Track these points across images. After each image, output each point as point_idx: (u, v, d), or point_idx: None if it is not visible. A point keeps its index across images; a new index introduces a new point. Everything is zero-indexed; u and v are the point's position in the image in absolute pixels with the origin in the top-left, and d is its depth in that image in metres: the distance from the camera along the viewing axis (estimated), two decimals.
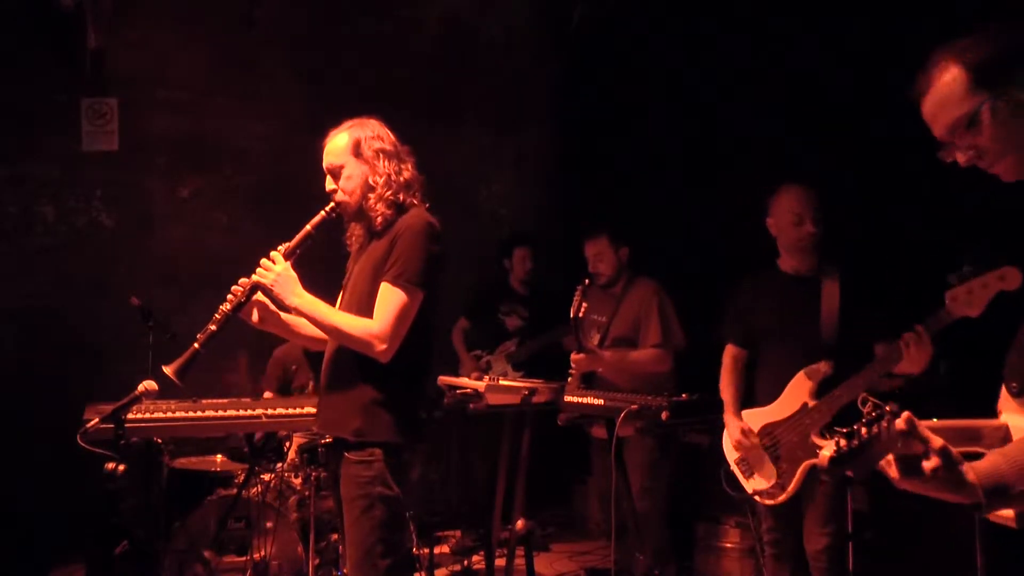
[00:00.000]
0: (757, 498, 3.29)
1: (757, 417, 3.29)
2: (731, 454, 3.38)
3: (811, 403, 3.13)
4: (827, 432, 1.37)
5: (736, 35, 5.00)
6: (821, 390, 3.12)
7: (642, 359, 4.14)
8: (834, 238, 3.30)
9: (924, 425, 1.39)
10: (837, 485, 3.13)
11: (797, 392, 3.18)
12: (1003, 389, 1.68)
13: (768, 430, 3.25)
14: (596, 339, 4.23)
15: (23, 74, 5.42)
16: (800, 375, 3.18)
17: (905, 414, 1.37)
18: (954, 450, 1.38)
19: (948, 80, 1.55)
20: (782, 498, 3.18)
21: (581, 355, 4.03)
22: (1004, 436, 1.65)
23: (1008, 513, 1.56)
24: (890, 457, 1.39)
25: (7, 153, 5.46)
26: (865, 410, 1.40)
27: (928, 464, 1.37)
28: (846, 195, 4.21)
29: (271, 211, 5.63)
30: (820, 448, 3.02)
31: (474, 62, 6.45)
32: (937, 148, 1.61)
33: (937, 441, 1.37)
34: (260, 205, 5.80)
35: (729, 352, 3.54)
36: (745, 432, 3.30)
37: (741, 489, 3.35)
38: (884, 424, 1.35)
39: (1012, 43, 1.53)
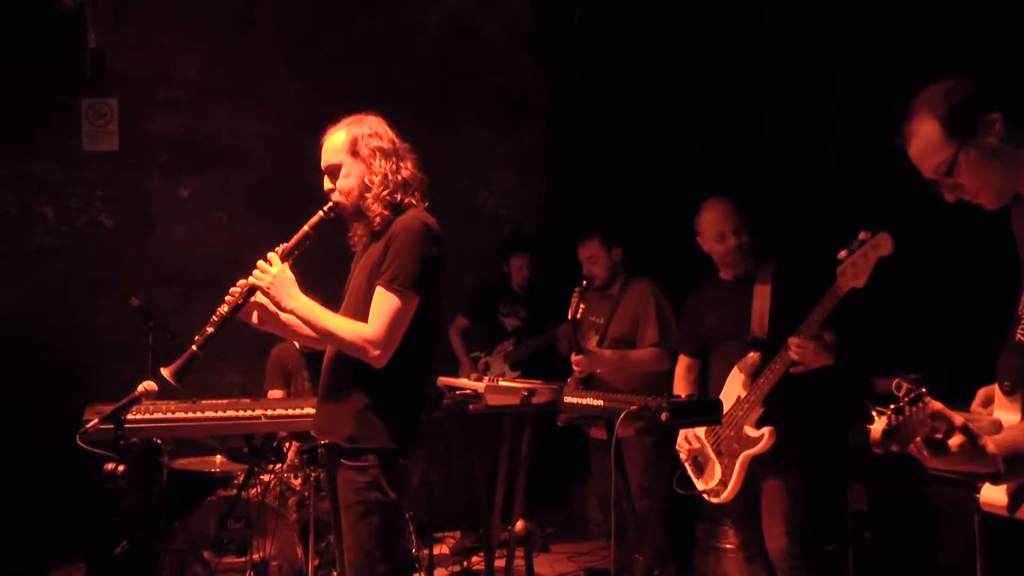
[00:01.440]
0: (706, 497, 3.31)
1: None
2: (681, 456, 3.44)
3: (743, 394, 3.21)
4: (876, 415, 1.51)
5: (736, 35, 4.99)
6: (755, 381, 3.20)
7: (643, 358, 4.16)
8: (770, 238, 3.39)
9: None
10: (794, 482, 3.15)
11: (733, 387, 3.27)
12: (996, 388, 1.80)
13: (712, 428, 3.30)
14: (594, 341, 4.24)
15: (23, 74, 5.43)
16: (734, 370, 3.26)
17: (936, 403, 1.54)
18: (974, 426, 1.56)
19: (925, 131, 1.79)
20: (726, 495, 3.21)
21: (581, 356, 4.04)
22: (996, 430, 1.75)
23: (1001, 501, 1.70)
24: (920, 442, 1.55)
25: (7, 153, 5.46)
26: (901, 392, 1.54)
27: (953, 441, 1.54)
28: (842, 194, 4.22)
29: (271, 211, 5.63)
30: (755, 438, 3.13)
31: (474, 62, 6.44)
32: (928, 184, 1.85)
33: (959, 419, 1.55)
34: (260, 205, 5.80)
35: (682, 363, 3.67)
36: (687, 437, 3.38)
37: (691, 488, 3.39)
38: (923, 403, 1.53)
39: (973, 93, 1.76)
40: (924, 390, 1.53)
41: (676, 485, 3.42)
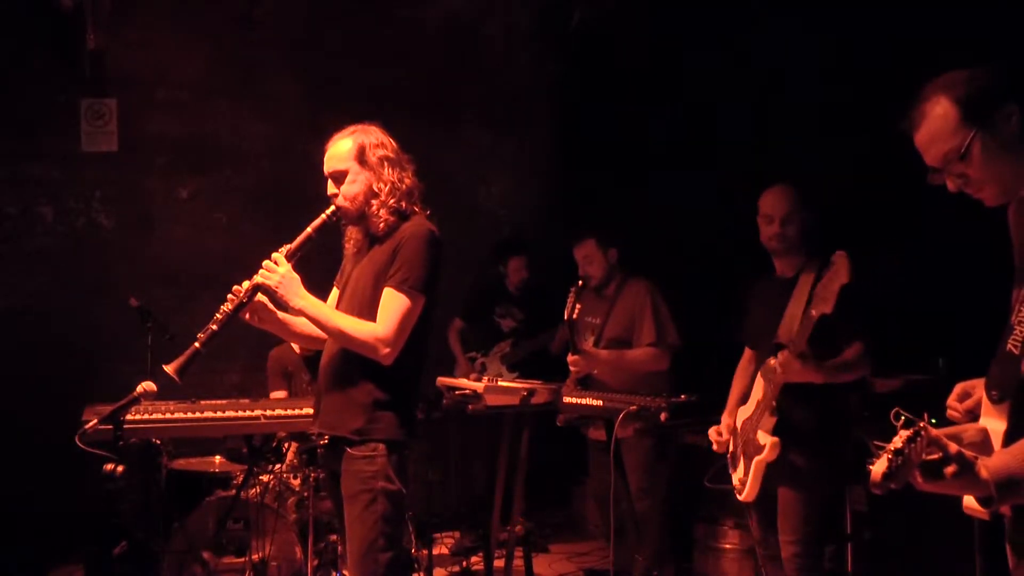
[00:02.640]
0: (736, 492, 3.31)
1: (742, 414, 3.33)
2: (714, 447, 3.42)
3: (760, 399, 3.18)
4: (875, 450, 1.52)
5: (735, 35, 5.00)
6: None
7: (639, 358, 4.15)
8: (822, 238, 3.31)
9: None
10: (808, 497, 3.13)
11: (757, 390, 3.23)
12: (983, 396, 1.78)
13: (743, 426, 3.29)
14: (591, 341, 4.24)
15: (23, 75, 5.42)
16: (759, 374, 3.22)
17: (930, 429, 1.54)
18: (967, 452, 1.55)
19: (940, 113, 1.71)
20: (745, 494, 3.19)
21: (577, 356, 4.04)
22: (983, 440, 1.75)
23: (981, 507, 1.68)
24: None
25: (6, 153, 5.45)
26: (899, 425, 1.54)
27: (948, 469, 1.53)
28: (843, 195, 4.22)
29: (271, 211, 5.62)
30: (762, 445, 3.09)
31: (474, 62, 6.44)
32: (928, 173, 1.77)
33: (953, 447, 1.54)
34: (260, 205, 5.79)
35: (745, 354, 3.56)
36: (718, 429, 3.35)
37: (726, 482, 3.37)
38: (921, 438, 1.52)
39: (995, 81, 1.71)
40: (922, 424, 1.53)
41: (707, 481, 3.42)
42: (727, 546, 4.29)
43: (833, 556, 3.31)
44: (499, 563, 4.10)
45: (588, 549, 5.38)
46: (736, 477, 3.28)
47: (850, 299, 2.87)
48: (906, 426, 1.53)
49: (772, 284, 3.38)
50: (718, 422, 3.38)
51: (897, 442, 1.51)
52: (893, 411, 1.56)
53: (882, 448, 1.52)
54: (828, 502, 3.19)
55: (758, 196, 3.39)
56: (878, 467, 1.51)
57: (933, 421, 1.57)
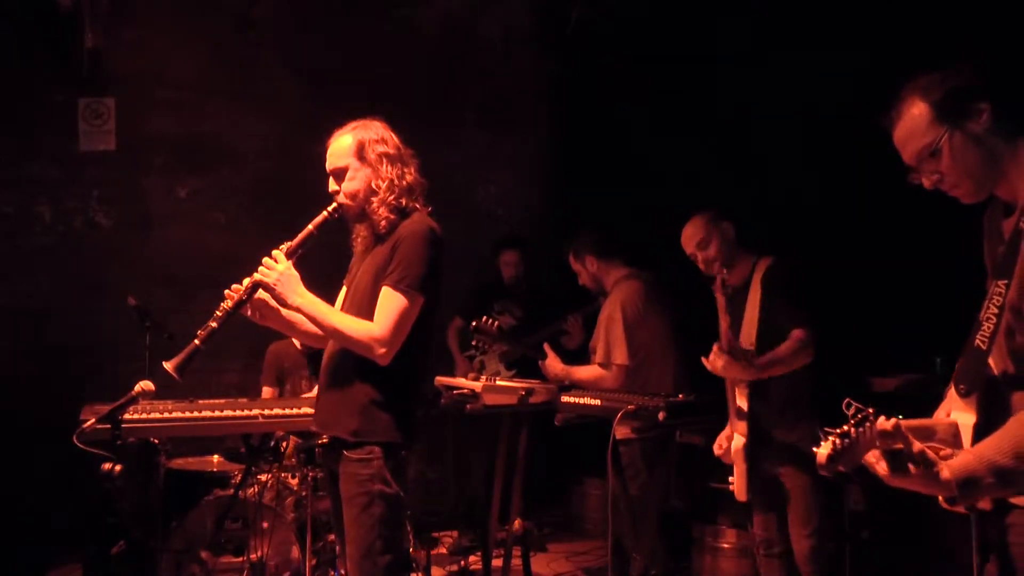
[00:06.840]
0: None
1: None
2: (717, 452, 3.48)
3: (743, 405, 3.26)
4: (823, 435, 1.57)
5: (734, 36, 5.00)
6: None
7: (584, 378, 4.05)
8: (758, 241, 3.42)
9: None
10: (811, 484, 3.18)
11: (731, 394, 3.32)
12: (951, 390, 1.83)
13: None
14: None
15: (21, 74, 5.42)
16: (733, 384, 3.30)
17: (893, 420, 1.57)
18: (930, 453, 1.59)
19: (914, 113, 1.81)
20: (738, 495, 3.26)
21: (542, 363, 4.07)
22: (954, 432, 1.80)
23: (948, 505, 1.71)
24: (878, 454, 1.58)
25: (4, 153, 5.45)
26: (850, 412, 1.59)
27: (911, 466, 1.58)
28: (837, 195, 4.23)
29: (269, 211, 5.62)
30: (738, 448, 3.19)
31: (473, 62, 6.44)
32: (907, 171, 1.85)
33: (916, 445, 1.58)
34: (258, 205, 5.79)
35: None
36: (720, 442, 3.41)
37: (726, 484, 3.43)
38: (868, 425, 1.57)
39: (968, 79, 1.78)
40: (871, 411, 1.56)
41: (715, 482, 3.51)
42: (725, 545, 4.29)
43: (832, 556, 3.32)
44: (497, 562, 4.10)
45: (586, 548, 5.38)
46: (732, 480, 3.32)
47: (792, 287, 3.06)
48: (856, 414, 1.58)
49: (733, 294, 3.43)
50: (717, 421, 3.41)
51: (844, 427, 1.56)
52: (845, 401, 1.61)
53: (830, 435, 1.57)
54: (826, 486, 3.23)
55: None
56: (823, 449, 1.55)
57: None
